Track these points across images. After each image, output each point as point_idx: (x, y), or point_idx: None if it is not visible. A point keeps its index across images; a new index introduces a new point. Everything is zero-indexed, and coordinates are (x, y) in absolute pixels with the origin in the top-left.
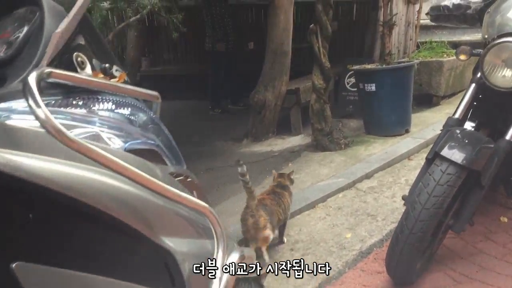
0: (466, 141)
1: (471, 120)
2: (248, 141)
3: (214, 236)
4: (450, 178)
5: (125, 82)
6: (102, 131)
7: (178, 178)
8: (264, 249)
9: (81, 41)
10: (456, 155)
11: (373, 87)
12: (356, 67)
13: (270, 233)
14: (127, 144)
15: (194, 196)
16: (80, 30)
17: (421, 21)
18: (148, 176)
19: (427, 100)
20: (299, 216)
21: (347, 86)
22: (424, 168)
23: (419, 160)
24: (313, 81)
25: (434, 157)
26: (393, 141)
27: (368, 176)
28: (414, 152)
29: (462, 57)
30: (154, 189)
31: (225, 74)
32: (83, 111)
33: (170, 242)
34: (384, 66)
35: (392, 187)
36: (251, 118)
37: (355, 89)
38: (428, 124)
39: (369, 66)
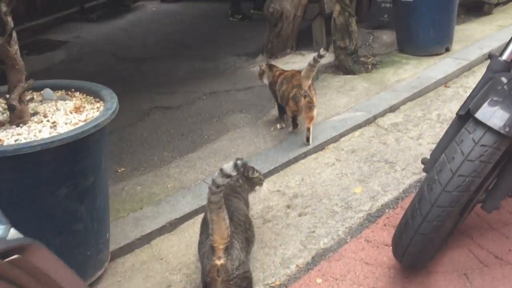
0: None
1: None
2: (263, 57)
3: None
4: (484, 151)
5: None
6: None
7: None
8: (311, 127)
9: None
10: (496, 118)
11: None
12: None
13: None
14: None
15: None
16: None
17: None
18: None
19: (477, 8)
20: (304, 160)
21: None
22: (452, 129)
23: (458, 88)
24: None
25: (467, 116)
26: (429, 62)
27: (392, 109)
28: (453, 77)
29: None
30: None
31: None
32: None
33: None
34: None
35: (419, 124)
36: (267, 32)
37: None
38: (474, 40)
39: None
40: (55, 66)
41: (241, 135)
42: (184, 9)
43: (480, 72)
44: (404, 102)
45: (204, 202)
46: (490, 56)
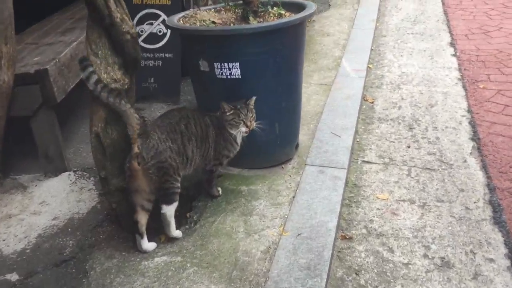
0: None
1: None
2: None
3: None
4: None
5: None
6: None
7: None
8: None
9: None
10: None
11: (236, 71)
12: (178, 20)
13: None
14: None
15: None
16: None
17: None
18: None
19: None
20: None
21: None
22: None
23: (367, 239)
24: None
25: None
26: (288, 184)
27: None
28: (343, 210)
29: None
30: None
31: None
32: None
33: None
34: (256, 23)
35: None
36: None
37: (156, 46)
38: (310, 115)
39: (215, 19)
40: None
41: None
42: None
43: (369, 187)
44: None
45: None
46: None
